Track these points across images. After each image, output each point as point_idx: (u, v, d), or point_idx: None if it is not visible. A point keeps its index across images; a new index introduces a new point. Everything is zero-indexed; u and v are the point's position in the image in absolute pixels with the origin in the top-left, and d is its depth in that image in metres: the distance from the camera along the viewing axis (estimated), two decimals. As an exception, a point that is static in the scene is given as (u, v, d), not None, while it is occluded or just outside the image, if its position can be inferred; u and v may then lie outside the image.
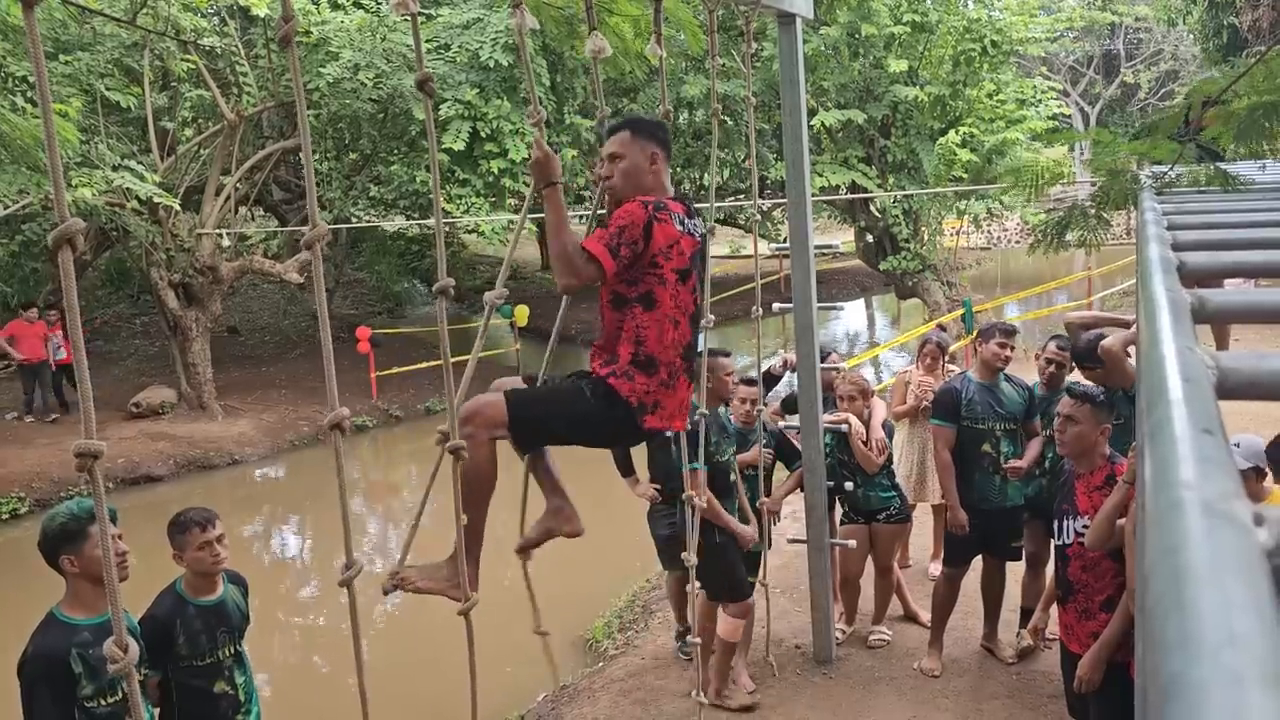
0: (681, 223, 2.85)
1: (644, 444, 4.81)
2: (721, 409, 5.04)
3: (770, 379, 5.85)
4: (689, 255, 2.87)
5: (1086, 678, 3.72)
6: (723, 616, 5.04)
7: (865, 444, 5.46)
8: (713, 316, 3.85)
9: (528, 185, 3.07)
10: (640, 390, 2.80)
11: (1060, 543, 4.00)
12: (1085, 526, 3.80)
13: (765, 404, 5.44)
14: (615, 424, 2.85)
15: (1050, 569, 5.17)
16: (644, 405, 2.81)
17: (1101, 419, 3.86)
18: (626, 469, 5.37)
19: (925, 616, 5.86)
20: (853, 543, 5.54)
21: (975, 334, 5.88)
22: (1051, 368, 5.28)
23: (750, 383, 5.31)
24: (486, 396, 2.87)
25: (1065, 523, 3.95)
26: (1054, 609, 4.64)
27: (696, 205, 3.06)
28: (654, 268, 2.78)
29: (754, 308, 5.08)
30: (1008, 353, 5.32)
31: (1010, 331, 5.46)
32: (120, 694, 3.00)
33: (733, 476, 5.00)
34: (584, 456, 3.17)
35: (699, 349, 5.27)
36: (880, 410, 5.71)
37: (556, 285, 2.78)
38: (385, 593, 2.79)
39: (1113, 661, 3.68)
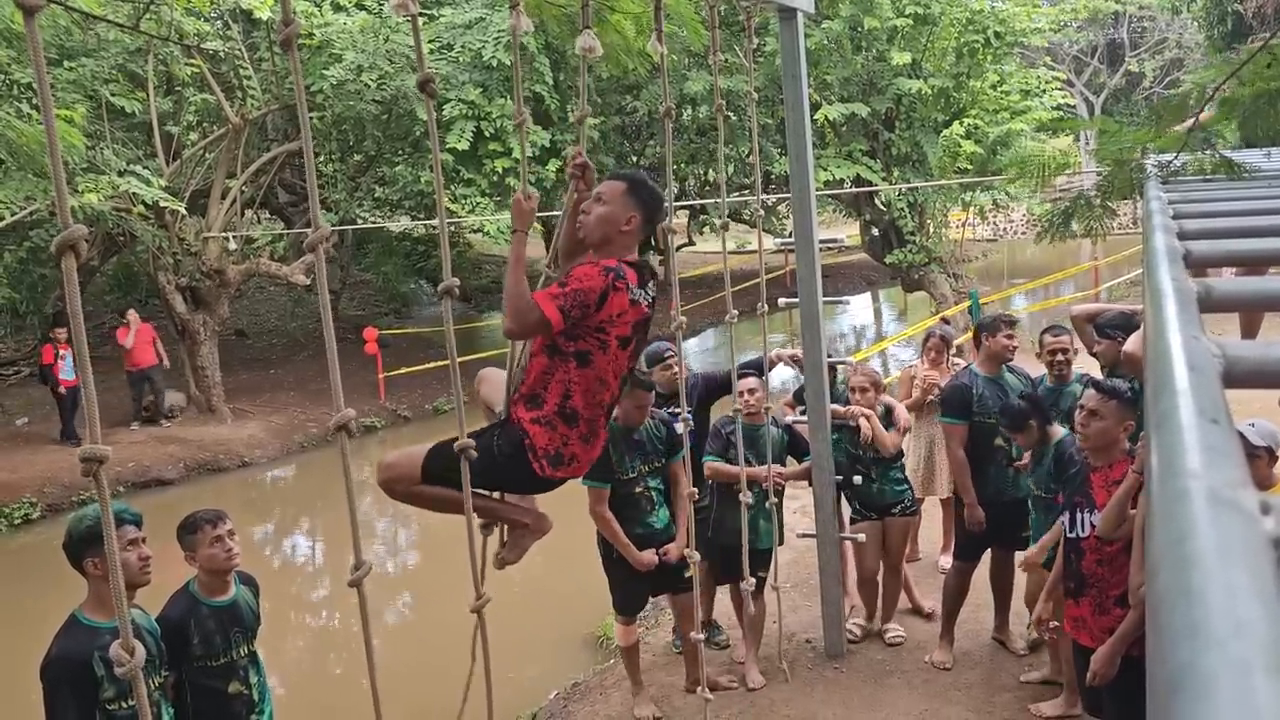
0: (633, 293, 2.86)
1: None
2: (643, 424, 4.97)
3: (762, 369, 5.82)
4: (632, 324, 2.90)
5: (1101, 672, 3.70)
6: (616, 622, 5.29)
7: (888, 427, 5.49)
8: (684, 319, 3.84)
9: (533, 184, 3.07)
10: (558, 441, 2.83)
11: (1074, 536, 3.97)
12: None
13: (770, 402, 5.44)
14: (519, 479, 2.91)
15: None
16: (560, 456, 2.85)
17: (1126, 415, 3.83)
18: None
19: (928, 607, 5.86)
20: (862, 536, 5.54)
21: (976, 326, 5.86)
22: (1055, 356, 5.22)
23: (747, 375, 5.34)
24: (402, 455, 2.99)
25: (1080, 515, 3.92)
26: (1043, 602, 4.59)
27: (653, 270, 3.05)
28: (599, 332, 2.81)
29: (759, 304, 5.08)
30: (1014, 344, 5.32)
31: (1013, 322, 5.48)
32: None
33: (639, 489, 4.95)
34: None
35: (671, 354, 5.29)
36: (893, 402, 5.73)
37: (503, 330, 2.84)
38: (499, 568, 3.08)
39: (1128, 655, 3.67)
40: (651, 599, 5.68)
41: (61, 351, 12.34)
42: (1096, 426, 3.83)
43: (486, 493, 3.00)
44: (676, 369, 5.03)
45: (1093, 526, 3.84)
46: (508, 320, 2.75)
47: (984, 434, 5.19)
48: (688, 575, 4.59)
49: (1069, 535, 4.02)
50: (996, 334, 5.29)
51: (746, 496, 4.70)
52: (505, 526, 3.12)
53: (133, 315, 13.38)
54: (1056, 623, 4.35)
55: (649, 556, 4.93)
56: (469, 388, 3.04)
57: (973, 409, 5.21)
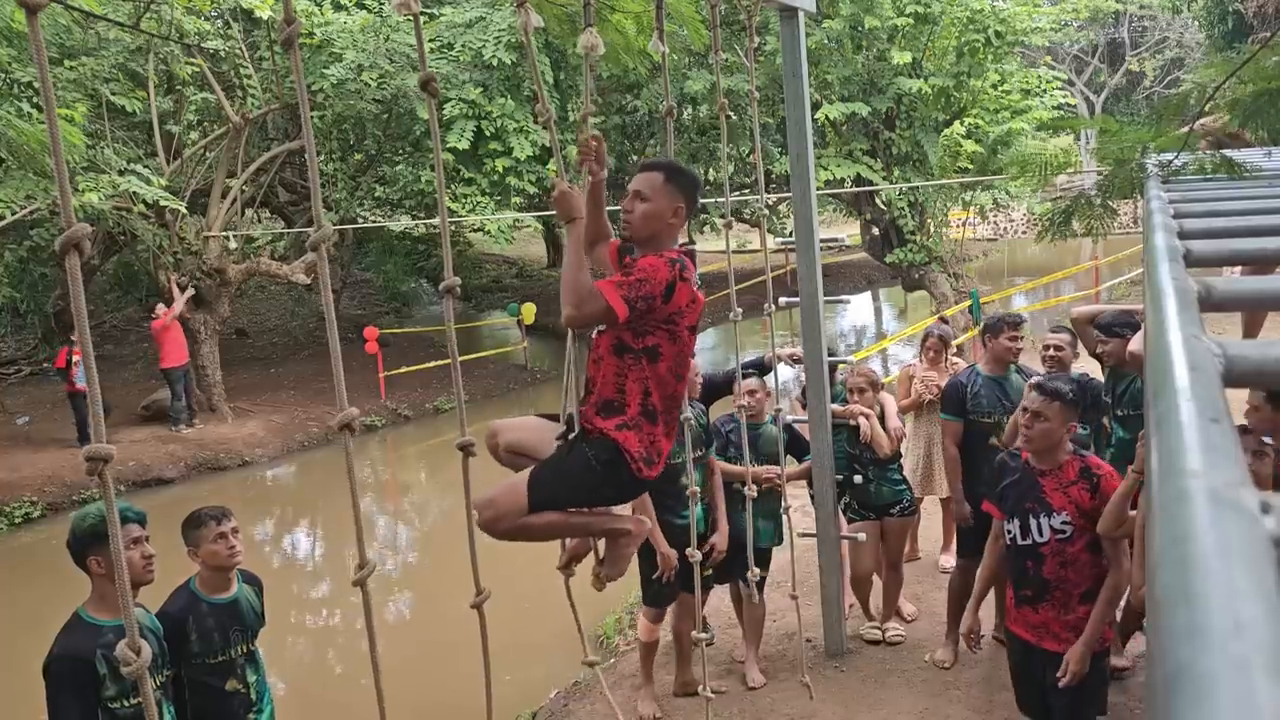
0: (694, 282, 2.83)
1: None
2: (690, 410, 4.92)
3: (764, 368, 5.81)
4: (699, 311, 2.88)
5: (1078, 671, 3.67)
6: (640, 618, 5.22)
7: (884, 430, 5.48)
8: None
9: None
10: (646, 441, 2.78)
11: (1029, 543, 3.84)
12: (1065, 523, 3.73)
13: (778, 404, 5.44)
14: (620, 486, 2.84)
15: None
16: (650, 458, 2.80)
17: (1069, 417, 3.77)
18: None
19: (910, 611, 5.95)
20: (862, 536, 5.54)
21: (980, 327, 5.86)
22: (1048, 351, 5.25)
23: (749, 376, 5.34)
24: (503, 492, 2.81)
25: (1035, 521, 3.80)
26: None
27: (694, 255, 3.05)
28: (669, 324, 2.75)
29: (766, 304, 5.08)
30: (1019, 345, 5.32)
31: (1017, 323, 5.43)
32: None
33: (683, 480, 4.72)
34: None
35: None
36: (891, 402, 5.72)
37: (562, 318, 2.71)
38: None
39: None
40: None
41: (75, 357, 12.18)
42: (1040, 428, 3.75)
43: (586, 510, 2.94)
44: None
45: (1053, 531, 3.75)
46: (568, 307, 2.63)
47: (979, 433, 5.20)
48: (703, 574, 4.58)
49: (1022, 543, 3.87)
50: (999, 335, 5.29)
51: (752, 491, 4.69)
52: (600, 543, 3.08)
53: (163, 307, 13.40)
54: (985, 634, 4.32)
55: (675, 555, 4.87)
56: (470, 387, 3.03)
57: (967, 407, 5.21)
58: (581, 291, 2.61)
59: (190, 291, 13.31)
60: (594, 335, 2.87)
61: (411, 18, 2.41)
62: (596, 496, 2.88)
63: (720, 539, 5.03)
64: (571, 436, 2.82)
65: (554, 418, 3.04)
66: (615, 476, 2.76)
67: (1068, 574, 3.77)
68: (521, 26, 2.80)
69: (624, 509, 3.12)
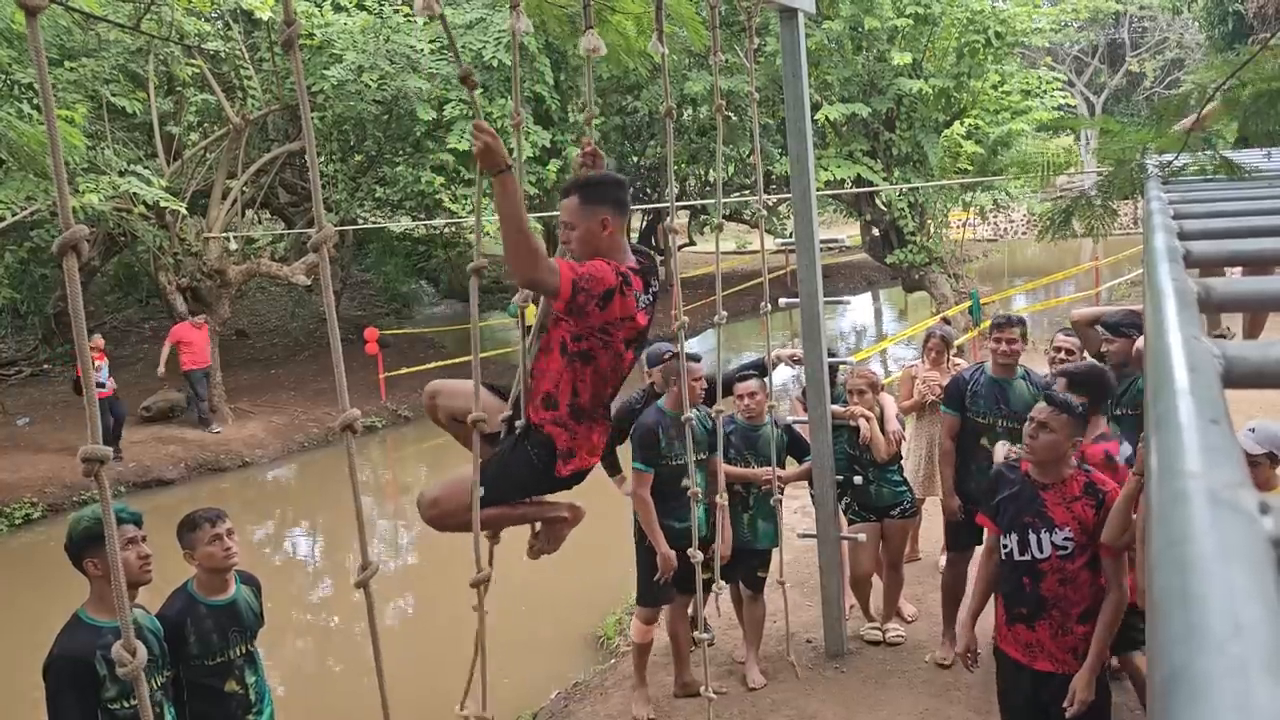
0: (640, 299, 2.83)
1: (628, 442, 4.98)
2: (694, 412, 4.87)
3: (764, 370, 5.83)
4: (640, 329, 2.88)
5: (1084, 698, 3.56)
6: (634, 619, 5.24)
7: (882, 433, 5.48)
8: (685, 319, 3.82)
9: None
10: (568, 439, 2.86)
11: (1028, 559, 3.72)
12: (1068, 539, 3.62)
13: (774, 401, 5.45)
14: (550, 478, 2.93)
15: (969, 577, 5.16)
16: (571, 453, 2.88)
17: (1075, 430, 3.66)
18: (613, 469, 5.46)
19: (910, 612, 5.96)
20: (862, 536, 5.54)
21: (984, 326, 5.88)
22: (1060, 354, 5.24)
23: (748, 378, 5.35)
24: (447, 487, 2.95)
25: (1035, 537, 3.69)
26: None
27: (657, 262, 3.06)
28: (604, 334, 2.78)
29: (762, 304, 5.08)
30: (1004, 346, 5.23)
31: (1003, 324, 5.33)
32: None
33: (684, 482, 4.77)
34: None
35: (670, 356, 5.30)
36: (890, 404, 5.71)
37: (516, 278, 2.72)
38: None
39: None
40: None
41: (97, 362, 12.17)
42: (1045, 439, 3.65)
43: (528, 501, 3.06)
44: (676, 371, 5.03)
45: (1054, 547, 3.65)
46: (521, 264, 2.58)
47: (972, 431, 5.21)
48: (705, 577, 4.58)
49: (1020, 559, 3.73)
50: (992, 333, 5.31)
51: (772, 488, 4.70)
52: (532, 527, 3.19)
53: (199, 318, 13.47)
54: (980, 650, 4.25)
55: (674, 556, 4.87)
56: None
57: (965, 403, 5.22)
58: (535, 249, 2.61)
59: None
60: (549, 327, 2.90)
61: (418, 21, 2.48)
62: (536, 490, 3.00)
63: (725, 546, 5.01)
64: (517, 430, 2.90)
65: (496, 389, 3.08)
66: (548, 471, 2.88)
67: (1067, 592, 3.65)
68: (511, 29, 2.84)
69: (559, 495, 3.19)
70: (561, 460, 2.87)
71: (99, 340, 12.40)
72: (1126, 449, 4.35)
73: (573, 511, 3.18)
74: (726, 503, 4.79)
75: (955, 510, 5.27)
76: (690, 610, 5.83)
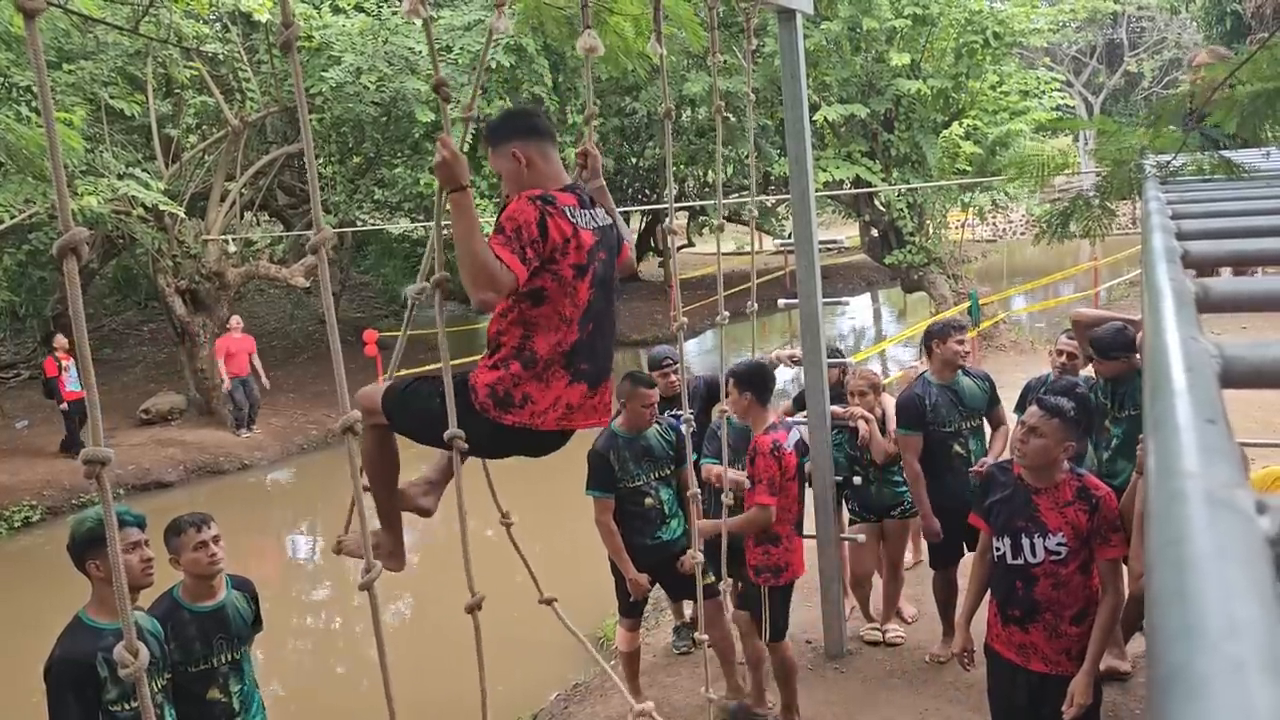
0: (574, 215, 2.65)
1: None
2: (651, 430, 4.91)
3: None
4: (588, 249, 2.65)
5: (1083, 701, 3.55)
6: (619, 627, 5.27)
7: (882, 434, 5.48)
8: (685, 319, 3.80)
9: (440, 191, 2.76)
10: (508, 380, 2.58)
11: (1020, 562, 3.71)
12: (1061, 544, 3.61)
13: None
14: (473, 429, 2.56)
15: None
16: (509, 398, 2.58)
17: (1067, 436, 3.63)
18: None
19: (908, 611, 5.97)
20: (862, 537, 5.55)
21: (984, 326, 5.88)
22: (1063, 358, 5.26)
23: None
24: (372, 387, 2.87)
25: (1028, 541, 3.68)
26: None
27: (590, 194, 2.84)
28: (551, 263, 2.57)
29: (749, 303, 5.05)
30: (965, 349, 5.32)
31: (962, 326, 5.50)
32: None
33: (649, 501, 4.86)
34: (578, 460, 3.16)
35: (670, 362, 5.25)
36: (891, 406, 5.71)
37: (472, 301, 2.49)
38: (336, 552, 2.99)
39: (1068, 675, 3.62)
40: (650, 600, 5.67)
41: (64, 362, 12.17)
42: (1035, 444, 3.62)
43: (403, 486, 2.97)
44: (676, 376, 5.05)
45: (1047, 552, 3.63)
46: (477, 288, 2.41)
47: (941, 442, 5.17)
48: (708, 581, 4.56)
49: (1012, 562, 3.72)
50: (947, 340, 5.24)
51: (728, 499, 4.69)
52: (354, 517, 2.79)
53: (236, 321, 13.48)
54: (975, 649, 4.23)
55: (644, 579, 4.91)
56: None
57: (926, 419, 5.18)
58: (490, 265, 2.41)
59: (236, 322, 13.58)
60: None
61: (414, 22, 2.44)
62: (435, 433, 2.61)
63: (686, 558, 4.98)
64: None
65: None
66: (475, 411, 2.58)
67: (1060, 596, 3.64)
68: (490, 27, 2.77)
69: (432, 502, 3.07)
70: (492, 403, 2.58)
71: (61, 341, 12.43)
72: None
73: (398, 548, 3.00)
74: (699, 497, 4.72)
75: (937, 532, 5.22)
76: (690, 612, 5.84)
